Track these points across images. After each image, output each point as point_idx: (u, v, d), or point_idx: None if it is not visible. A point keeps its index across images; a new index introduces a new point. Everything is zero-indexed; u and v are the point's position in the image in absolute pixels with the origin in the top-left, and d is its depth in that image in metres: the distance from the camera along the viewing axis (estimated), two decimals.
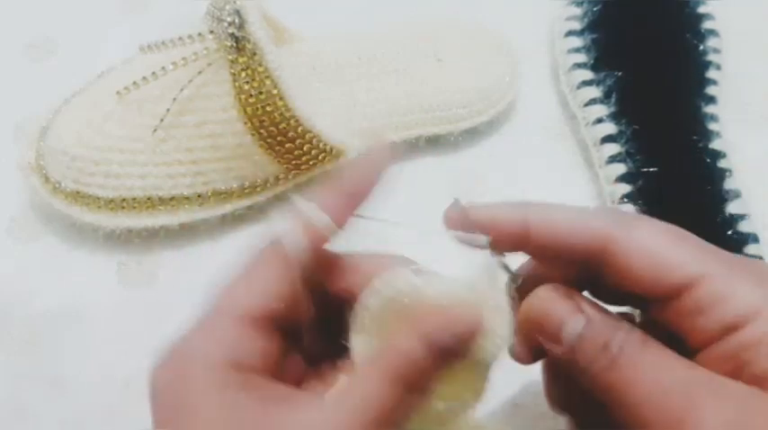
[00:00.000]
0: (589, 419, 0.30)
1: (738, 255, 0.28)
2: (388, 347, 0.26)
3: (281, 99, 0.41)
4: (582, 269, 0.28)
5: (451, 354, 0.26)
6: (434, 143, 0.49)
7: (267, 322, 0.27)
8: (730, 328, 0.25)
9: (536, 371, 0.40)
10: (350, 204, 0.28)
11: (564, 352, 0.27)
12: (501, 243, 0.28)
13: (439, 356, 0.25)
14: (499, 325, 0.27)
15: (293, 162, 0.43)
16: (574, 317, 0.27)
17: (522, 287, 0.28)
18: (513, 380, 0.40)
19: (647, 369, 0.25)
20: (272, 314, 0.27)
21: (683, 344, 0.26)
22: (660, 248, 0.26)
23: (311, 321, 0.28)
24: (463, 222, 0.29)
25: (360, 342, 0.27)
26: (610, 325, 0.27)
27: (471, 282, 0.27)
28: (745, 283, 0.25)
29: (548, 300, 0.27)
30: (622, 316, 0.29)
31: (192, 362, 0.26)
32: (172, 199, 0.43)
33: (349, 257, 0.29)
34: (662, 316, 0.27)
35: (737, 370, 0.25)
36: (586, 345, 0.26)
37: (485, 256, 0.28)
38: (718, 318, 0.25)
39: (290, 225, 0.27)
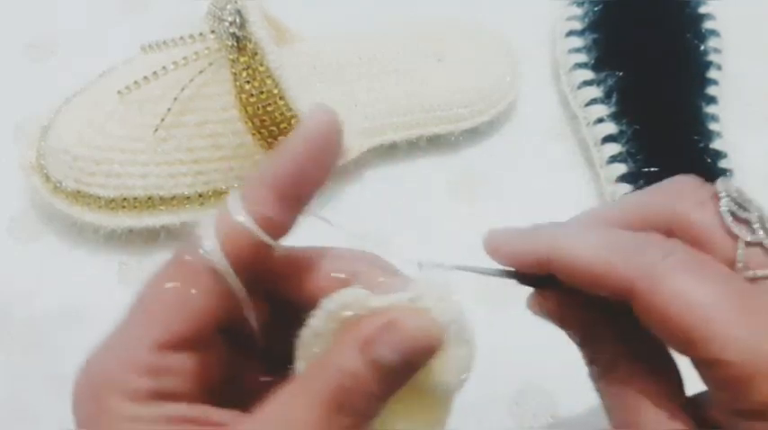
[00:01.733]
0: (592, 332, 0.28)
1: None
2: (322, 362, 0.23)
3: (281, 98, 0.41)
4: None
5: (398, 375, 0.23)
6: (435, 143, 0.49)
7: (194, 339, 0.24)
8: (761, 412, 0.23)
9: (536, 371, 0.40)
10: (288, 194, 0.24)
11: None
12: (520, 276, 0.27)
13: (382, 375, 0.22)
14: (460, 354, 0.25)
15: None
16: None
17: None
18: (514, 380, 0.40)
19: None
20: (195, 333, 0.24)
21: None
22: (690, 311, 0.23)
23: (262, 326, 0.26)
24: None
25: (302, 361, 0.25)
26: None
27: (430, 298, 0.24)
28: None
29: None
30: None
31: (108, 391, 0.23)
32: (173, 198, 0.43)
33: (313, 257, 0.26)
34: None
35: None
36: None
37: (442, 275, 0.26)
38: (745, 401, 0.23)
39: (206, 230, 0.24)
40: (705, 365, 0.24)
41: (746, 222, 0.26)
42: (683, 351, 0.24)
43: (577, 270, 0.25)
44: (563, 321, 0.28)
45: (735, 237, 0.26)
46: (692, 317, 0.23)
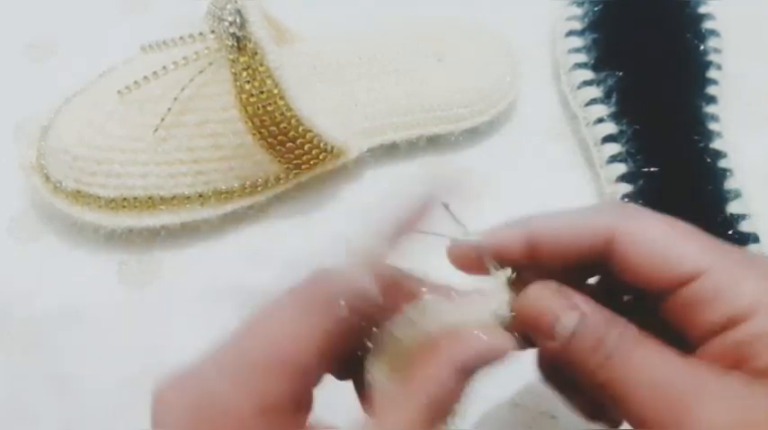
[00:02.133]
0: (587, 404, 0.30)
1: (745, 250, 0.28)
2: (421, 376, 0.26)
3: (281, 98, 0.41)
4: (587, 268, 0.28)
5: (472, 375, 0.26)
6: (435, 143, 0.49)
7: (305, 362, 0.26)
8: (732, 322, 0.25)
9: (536, 371, 0.40)
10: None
11: (558, 348, 0.27)
12: (511, 262, 0.28)
13: (465, 379, 0.26)
14: None
15: (294, 161, 0.43)
16: (568, 313, 0.26)
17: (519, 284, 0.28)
18: (514, 380, 0.40)
19: (642, 366, 0.25)
20: (306, 357, 0.26)
21: (685, 340, 0.26)
22: (664, 241, 0.26)
23: (365, 351, 0.28)
24: (468, 257, 0.28)
25: (378, 368, 0.27)
26: (604, 321, 0.26)
27: (504, 302, 0.27)
28: (748, 277, 0.25)
29: (542, 295, 0.27)
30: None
31: (222, 413, 0.25)
32: (173, 198, 0.43)
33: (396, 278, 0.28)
34: (665, 310, 0.27)
35: (738, 364, 0.25)
36: (580, 342, 0.26)
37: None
38: (720, 312, 0.25)
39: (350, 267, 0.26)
40: (679, 287, 0.26)
41: None
42: (660, 282, 0.26)
43: (559, 229, 0.28)
44: None
45: None
46: (671, 239, 0.26)
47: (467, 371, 0.26)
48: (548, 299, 0.27)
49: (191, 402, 0.25)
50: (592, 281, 0.30)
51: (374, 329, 0.27)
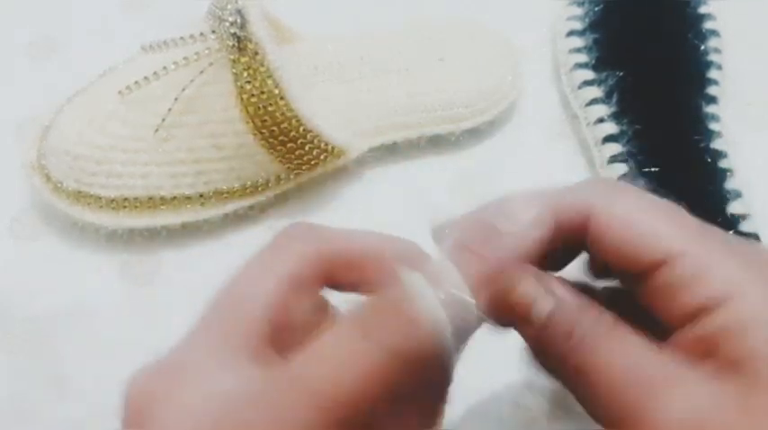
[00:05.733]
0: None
1: (733, 236, 0.27)
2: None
3: (282, 99, 0.41)
4: (573, 247, 0.28)
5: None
6: (436, 143, 0.49)
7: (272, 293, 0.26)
8: (705, 309, 0.24)
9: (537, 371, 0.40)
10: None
11: (533, 333, 0.26)
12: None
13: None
14: None
15: (295, 162, 0.43)
16: (543, 297, 0.26)
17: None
18: (514, 380, 0.40)
19: (611, 355, 0.25)
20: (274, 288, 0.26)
21: (660, 325, 0.26)
22: (639, 220, 0.25)
23: None
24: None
25: None
26: (578, 307, 0.26)
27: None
28: (726, 264, 0.24)
29: (518, 280, 0.27)
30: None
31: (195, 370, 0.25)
32: (174, 198, 0.43)
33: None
34: (644, 294, 0.26)
35: (710, 352, 0.24)
36: (554, 327, 0.26)
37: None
38: (693, 298, 0.24)
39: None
40: (654, 271, 0.25)
41: None
42: (636, 264, 0.25)
43: (543, 207, 0.27)
44: None
45: None
46: (647, 220, 0.25)
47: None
48: (524, 284, 0.27)
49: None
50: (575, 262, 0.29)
51: None
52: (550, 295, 0.26)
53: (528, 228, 0.26)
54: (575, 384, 0.26)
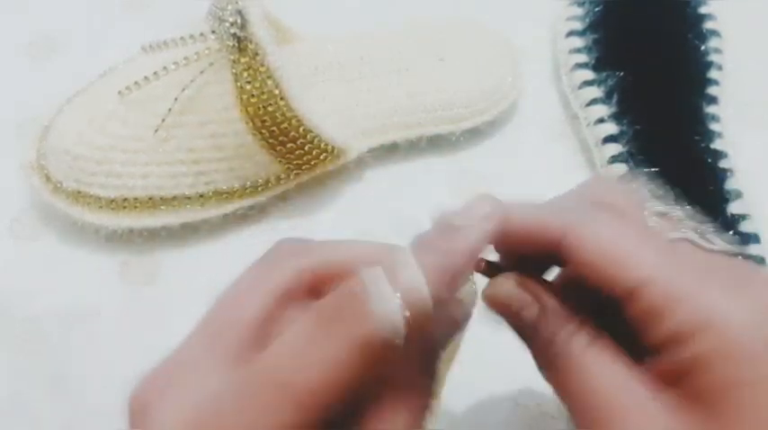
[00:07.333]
0: None
1: (709, 255, 0.27)
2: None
3: (282, 99, 0.41)
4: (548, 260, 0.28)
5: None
6: (436, 143, 0.49)
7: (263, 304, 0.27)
8: (676, 338, 0.24)
9: (537, 371, 0.40)
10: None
11: (523, 332, 0.27)
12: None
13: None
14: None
15: (295, 162, 0.43)
16: (530, 305, 0.27)
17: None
18: (515, 380, 0.40)
19: (583, 371, 0.25)
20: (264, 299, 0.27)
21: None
22: (613, 248, 0.25)
23: None
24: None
25: None
26: (559, 318, 0.26)
27: None
28: (700, 290, 0.24)
29: (507, 288, 0.27)
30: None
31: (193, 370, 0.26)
32: (173, 198, 0.43)
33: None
34: (624, 313, 0.26)
35: (679, 382, 0.24)
36: (539, 335, 0.26)
37: None
38: (664, 327, 0.24)
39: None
40: (629, 297, 0.25)
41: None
42: (609, 285, 0.25)
43: (520, 227, 0.27)
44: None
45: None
46: (617, 247, 0.25)
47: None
48: (511, 291, 0.27)
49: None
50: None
51: None
52: (536, 303, 0.27)
53: (480, 221, 0.26)
54: (555, 388, 0.26)
